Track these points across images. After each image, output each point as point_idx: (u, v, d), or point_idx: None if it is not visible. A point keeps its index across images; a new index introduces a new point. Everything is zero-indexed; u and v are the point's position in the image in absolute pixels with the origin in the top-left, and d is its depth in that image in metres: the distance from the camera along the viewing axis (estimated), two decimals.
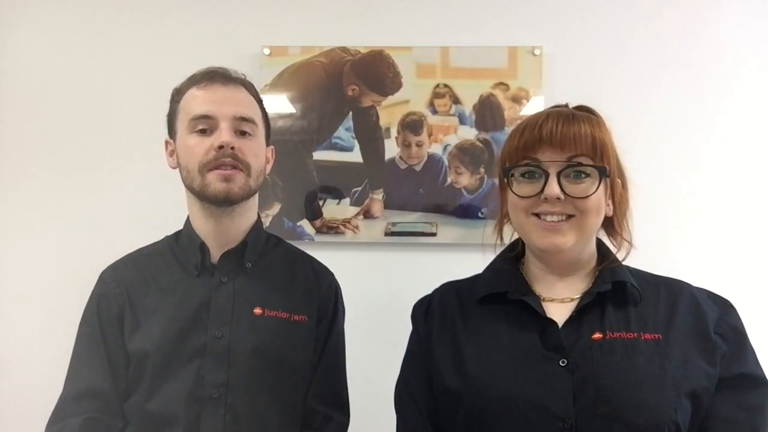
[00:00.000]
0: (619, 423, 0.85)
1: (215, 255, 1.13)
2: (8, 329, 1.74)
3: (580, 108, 0.98)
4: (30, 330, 1.73)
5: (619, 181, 0.97)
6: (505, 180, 0.95)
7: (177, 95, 1.13)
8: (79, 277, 1.68)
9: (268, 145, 1.18)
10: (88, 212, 1.76)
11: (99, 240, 1.73)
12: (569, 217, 0.91)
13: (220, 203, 1.08)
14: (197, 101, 1.09)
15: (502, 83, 1.76)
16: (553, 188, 0.89)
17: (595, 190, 0.90)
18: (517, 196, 0.93)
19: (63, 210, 1.76)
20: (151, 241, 1.21)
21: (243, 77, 1.16)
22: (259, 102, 1.16)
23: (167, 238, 1.20)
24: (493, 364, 0.89)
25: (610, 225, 0.98)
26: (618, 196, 0.96)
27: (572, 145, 0.90)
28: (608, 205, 0.95)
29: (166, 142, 1.16)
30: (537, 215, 0.92)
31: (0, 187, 1.78)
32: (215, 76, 1.11)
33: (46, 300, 1.73)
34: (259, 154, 1.12)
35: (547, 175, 0.90)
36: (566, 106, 0.99)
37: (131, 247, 1.21)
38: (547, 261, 0.97)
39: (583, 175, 0.91)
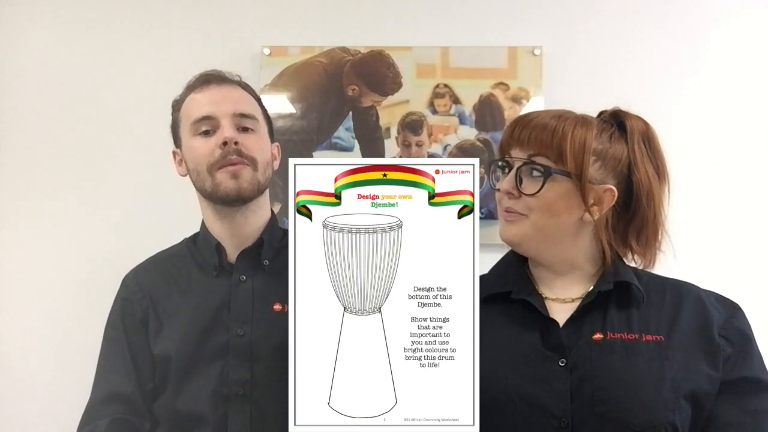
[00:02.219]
0: (614, 423, 0.86)
1: (232, 254, 1.14)
2: (9, 328, 1.74)
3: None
4: (30, 328, 1.73)
5: (611, 188, 0.93)
6: (489, 174, 0.99)
7: (177, 105, 1.15)
8: (80, 275, 1.69)
9: (273, 141, 1.19)
10: (88, 211, 1.76)
11: (99, 239, 1.73)
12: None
13: (232, 202, 1.09)
14: (196, 104, 1.10)
15: (502, 83, 1.76)
16: (504, 182, 0.95)
17: (540, 189, 0.91)
18: (496, 190, 0.98)
19: (63, 208, 1.76)
20: (152, 240, 1.22)
21: (238, 78, 1.17)
22: (258, 99, 1.17)
23: (185, 241, 1.21)
24: (492, 362, 0.90)
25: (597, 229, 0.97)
26: (599, 202, 0.93)
27: (531, 143, 0.92)
28: (586, 211, 0.92)
29: (174, 153, 1.17)
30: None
31: (1, 185, 1.78)
32: (210, 79, 1.13)
33: (46, 298, 1.73)
34: (264, 147, 1.13)
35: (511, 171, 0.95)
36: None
37: (131, 246, 1.22)
38: (529, 257, 1.00)
39: (536, 174, 0.92)
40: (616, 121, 0.97)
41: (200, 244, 1.17)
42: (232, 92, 1.12)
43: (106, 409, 1.08)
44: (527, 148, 0.93)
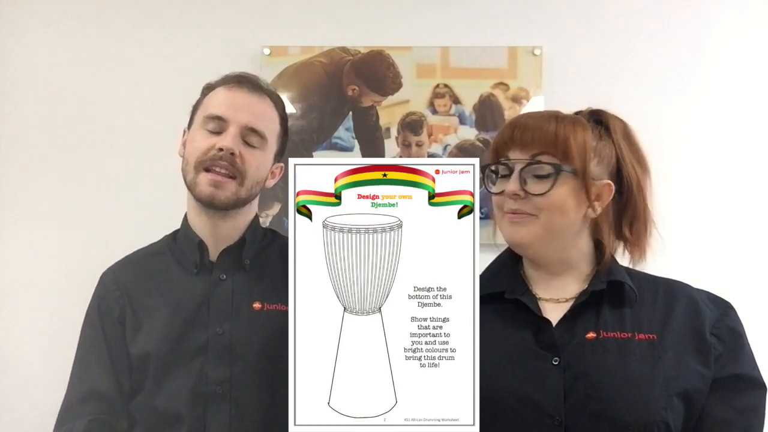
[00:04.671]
0: (607, 421, 0.86)
1: (213, 253, 1.14)
2: (8, 328, 1.74)
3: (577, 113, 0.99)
4: (30, 329, 1.73)
5: (609, 183, 0.95)
6: (483, 178, 0.97)
7: (206, 90, 1.15)
8: (79, 275, 1.68)
9: (279, 161, 1.18)
10: (87, 211, 1.76)
11: (98, 239, 1.73)
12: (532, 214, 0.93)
13: (206, 206, 1.10)
14: (217, 101, 1.11)
15: (502, 83, 1.76)
16: (510, 185, 0.93)
17: (550, 188, 0.91)
18: (492, 194, 0.96)
19: (63, 209, 1.76)
20: (151, 240, 1.21)
21: (273, 90, 1.17)
22: (282, 118, 1.16)
23: (165, 238, 1.20)
24: (486, 361, 0.90)
25: (596, 226, 0.98)
26: (600, 198, 0.95)
27: (535, 144, 0.92)
28: (590, 207, 0.94)
29: (184, 131, 1.17)
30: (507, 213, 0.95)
31: (0, 186, 1.78)
32: (244, 81, 1.12)
33: (45, 299, 1.73)
34: (261, 167, 1.12)
35: (513, 173, 0.93)
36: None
37: (130, 246, 1.21)
38: (531, 258, 0.99)
39: (543, 173, 0.92)
40: (595, 120, 0.99)
41: (181, 241, 1.16)
42: (257, 104, 1.11)
43: (84, 408, 1.06)
44: (530, 148, 0.93)
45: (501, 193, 0.95)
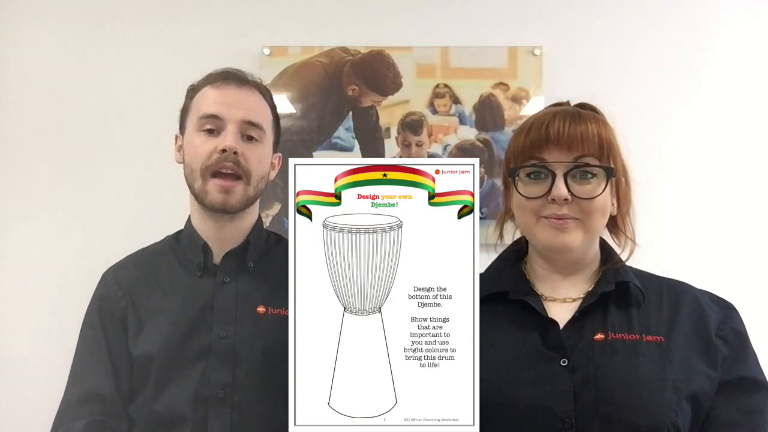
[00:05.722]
0: (619, 424, 0.86)
1: (217, 255, 1.13)
2: (8, 328, 1.74)
3: (583, 106, 0.98)
4: (29, 329, 1.73)
5: (623, 179, 0.96)
6: (510, 180, 0.95)
7: (192, 92, 1.14)
8: (79, 275, 1.68)
9: (276, 151, 1.18)
10: (88, 211, 1.76)
11: (99, 238, 1.73)
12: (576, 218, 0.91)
13: (216, 212, 1.09)
14: (208, 100, 1.09)
15: (502, 83, 1.76)
16: (561, 189, 0.89)
17: (602, 191, 0.90)
18: (524, 197, 0.92)
19: (63, 208, 1.76)
20: (151, 240, 1.21)
21: (259, 81, 1.16)
22: (273, 108, 1.16)
23: (168, 238, 1.20)
24: (492, 363, 0.89)
25: (613, 223, 0.98)
26: (622, 194, 0.96)
27: (579, 145, 0.90)
28: (613, 204, 0.94)
29: (176, 137, 1.17)
30: (545, 218, 0.92)
31: (0, 185, 1.78)
32: (230, 77, 1.11)
33: (45, 299, 1.73)
34: (263, 161, 1.12)
35: (553, 176, 0.90)
36: (567, 103, 0.99)
37: (131, 245, 1.21)
38: (552, 260, 0.97)
39: (590, 176, 0.90)
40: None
41: (184, 242, 1.16)
42: (248, 97, 1.11)
43: (83, 408, 1.05)
44: (573, 150, 0.90)
45: (541, 197, 0.91)
